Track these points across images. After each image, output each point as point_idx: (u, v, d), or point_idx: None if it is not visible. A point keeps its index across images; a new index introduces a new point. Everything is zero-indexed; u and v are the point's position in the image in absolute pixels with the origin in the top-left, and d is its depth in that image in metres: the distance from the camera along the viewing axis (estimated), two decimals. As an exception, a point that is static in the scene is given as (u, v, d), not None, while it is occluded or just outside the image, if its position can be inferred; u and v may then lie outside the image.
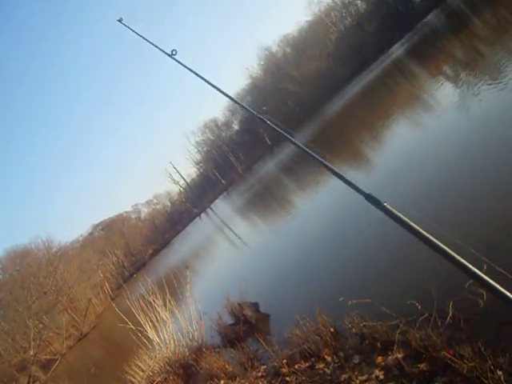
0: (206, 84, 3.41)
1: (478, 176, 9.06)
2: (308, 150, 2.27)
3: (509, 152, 8.92)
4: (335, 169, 2.45)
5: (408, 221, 2.31)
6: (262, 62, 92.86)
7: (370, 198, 2.41)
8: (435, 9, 54.76)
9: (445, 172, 10.58)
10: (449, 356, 4.61)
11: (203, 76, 3.53)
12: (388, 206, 2.32)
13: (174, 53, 4.09)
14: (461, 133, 12.29)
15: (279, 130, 2.30)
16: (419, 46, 42.02)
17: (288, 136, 2.28)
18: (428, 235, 2.36)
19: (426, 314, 5.59)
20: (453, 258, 2.21)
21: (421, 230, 2.42)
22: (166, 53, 4.10)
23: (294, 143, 2.37)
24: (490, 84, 14.17)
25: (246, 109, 2.72)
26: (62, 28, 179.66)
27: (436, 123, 15.31)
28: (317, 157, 2.27)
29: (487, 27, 24.09)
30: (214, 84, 3.31)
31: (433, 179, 10.76)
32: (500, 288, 1.92)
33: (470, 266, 2.04)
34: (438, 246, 2.26)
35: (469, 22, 29.92)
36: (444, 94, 18.13)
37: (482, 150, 10.06)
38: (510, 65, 14.40)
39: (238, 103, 2.81)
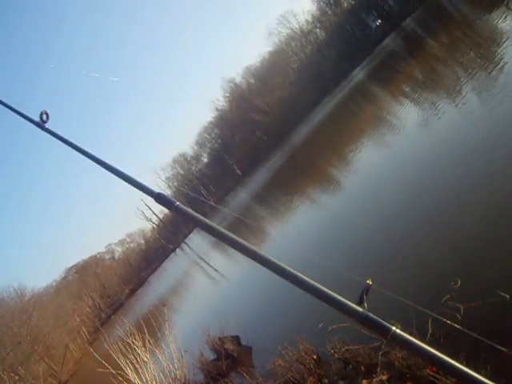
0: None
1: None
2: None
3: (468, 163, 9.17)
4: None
5: (209, 222, 1.82)
6: (227, 94, 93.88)
7: (160, 198, 2.11)
8: (391, 33, 56.45)
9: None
10: (432, 373, 4.60)
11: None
12: (180, 206, 1.97)
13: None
14: (421, 152, 12.56)
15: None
16: (379, 69, 43.10)
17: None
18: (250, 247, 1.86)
19: (407, 333, 5.58)
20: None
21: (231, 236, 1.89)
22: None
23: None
24: (448, 101, 14.61)
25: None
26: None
27: (399, 143, 15.62)
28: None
29: (442, 47, 24.89)
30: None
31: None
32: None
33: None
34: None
35: (424, 43, 30.86)
36: (405, 114, 18.56)
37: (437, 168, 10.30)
38: (466, 81, 14.89)
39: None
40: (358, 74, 55.30)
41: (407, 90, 23.72)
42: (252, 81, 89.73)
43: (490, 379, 3.63)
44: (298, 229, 18.21)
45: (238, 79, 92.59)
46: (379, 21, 65.81)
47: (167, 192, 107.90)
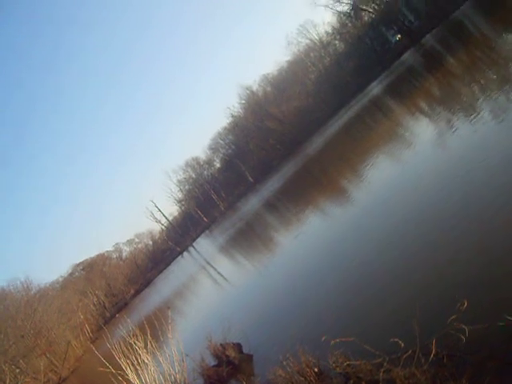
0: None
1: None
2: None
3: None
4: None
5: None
6: (243, 101, 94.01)
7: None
8: (410, 48, 56.39)
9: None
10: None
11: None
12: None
13: None
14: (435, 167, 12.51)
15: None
16: (396, 84, 43.01)
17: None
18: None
19: (410, 352, 5.55)
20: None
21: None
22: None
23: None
24: (464, 121, 14.54)
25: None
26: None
27: (412, 160, 15.54)
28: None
29: (461, 66, 24.78)
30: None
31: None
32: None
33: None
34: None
35: (443, 60, 30.76)
36: (421, 131, 18.50)
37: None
38: (484, 101, 14.83)
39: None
40: (376, 87, 55.23)
41: (423, 106, 23.63)
42: (269, 89, 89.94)
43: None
44: (307, 237, 18.21)
45: (255, 87, 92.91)
46: (399, 36, 65.81)
47: (177, 195, 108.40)
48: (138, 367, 10.88)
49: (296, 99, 77.93)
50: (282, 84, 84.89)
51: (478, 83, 17.90)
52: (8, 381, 43.08)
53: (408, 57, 54.43)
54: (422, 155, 15.20)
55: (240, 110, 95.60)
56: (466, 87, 19.34)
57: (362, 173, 19.98)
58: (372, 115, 37.47)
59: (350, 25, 74.08)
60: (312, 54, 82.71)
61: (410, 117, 23.32)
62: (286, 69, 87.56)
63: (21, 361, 48.21)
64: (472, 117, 14.13)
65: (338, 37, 77.26)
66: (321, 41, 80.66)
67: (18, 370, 46.82)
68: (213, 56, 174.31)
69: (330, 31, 78.82)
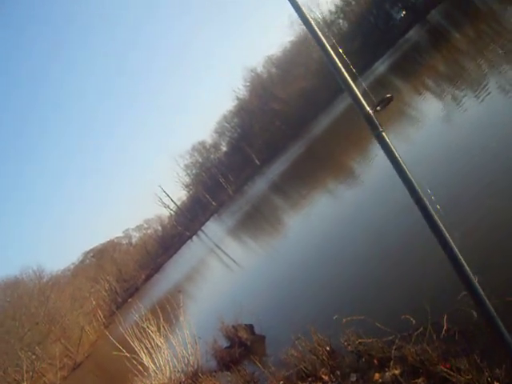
0: None
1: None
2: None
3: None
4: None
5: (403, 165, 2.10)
6: (247, 83, 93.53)
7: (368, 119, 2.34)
8: (416, 25, 55.64)
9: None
10: (445, 370, 4.58)
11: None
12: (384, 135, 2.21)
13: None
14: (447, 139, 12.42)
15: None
16: (402, 61, 42.58)
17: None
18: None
19: (421, 328, 5.57)
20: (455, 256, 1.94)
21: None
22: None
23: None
24: (471, 97, 14.40)
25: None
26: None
27: (421, 138, 15.45)
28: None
29: (468, 42, 24.47)
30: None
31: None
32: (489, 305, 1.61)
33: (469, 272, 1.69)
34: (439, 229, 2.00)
35: (449, 36, 30.37)
36: (427, 108, 18.34)
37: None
38: (491, 77, 14.66)
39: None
40: (381, 65, 54.68)
41: (430, 83, 23.41)
42: (273, 70, 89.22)
43: (503, 379, 3.61)
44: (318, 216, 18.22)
45: (260, 68, 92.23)
46: (403, 12, 64.93)
47: (185, 180, 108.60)
48: (151, 350, 11.04)
49: (301, 80, 77.28)
50: (287, 65, 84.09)
51: (485, 58, 17.68)
52: (25, 367, 43.88)
53: (413, 34, 53.75)
54: (430, 133, 15.09)
55: (245, 93, 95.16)
56: (473, 63, 19.11)
57: (369, 152, 19.87)
58: (377, 94, 37.14)
59: (353, 2, 73.20)
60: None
61: (416, 95, 23.10)
62: (290, 49, 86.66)
63: (36, 347, 49.02)
64: (479, 93, 14.00)
65: (341, 15, 76.40)
66: (324, 20, 79.72)
67: (34, 357, 47.65)
68: (218, 41, 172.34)
69: (334, 10, 78.01)
